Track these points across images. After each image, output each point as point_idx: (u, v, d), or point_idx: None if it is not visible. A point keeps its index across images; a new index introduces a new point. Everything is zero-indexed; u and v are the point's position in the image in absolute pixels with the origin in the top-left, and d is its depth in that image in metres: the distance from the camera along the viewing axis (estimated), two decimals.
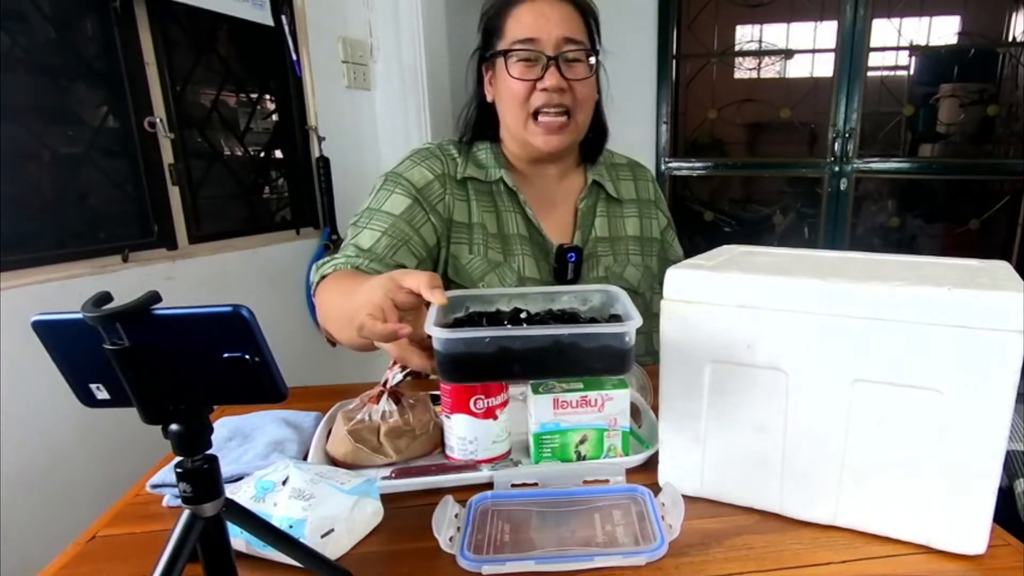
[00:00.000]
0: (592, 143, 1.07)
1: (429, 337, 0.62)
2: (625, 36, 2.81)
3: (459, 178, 1.00)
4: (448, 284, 0.99)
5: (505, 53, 0.94)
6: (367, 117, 2.19)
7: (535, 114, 0.95)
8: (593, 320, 0.70)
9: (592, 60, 0.96)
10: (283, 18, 1.87)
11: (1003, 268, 0.63)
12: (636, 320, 0.61)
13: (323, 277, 0.89)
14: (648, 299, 1.09)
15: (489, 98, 1.02)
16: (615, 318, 0.68)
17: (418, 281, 0.61)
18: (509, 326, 0.64)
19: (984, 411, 0.54)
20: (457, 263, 0.99)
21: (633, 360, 0.63)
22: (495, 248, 1.00)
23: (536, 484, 0.70)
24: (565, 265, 1.01)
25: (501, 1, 0.97)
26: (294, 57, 1.92)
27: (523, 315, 0.69)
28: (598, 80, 1.02)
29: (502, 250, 1.01)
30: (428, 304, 0.63)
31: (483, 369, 0.61)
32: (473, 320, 0.69)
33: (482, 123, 1.04)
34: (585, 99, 0.97)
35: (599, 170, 1.08)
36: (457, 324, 0.66)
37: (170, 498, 0.70)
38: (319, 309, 0.87)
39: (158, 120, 1.56)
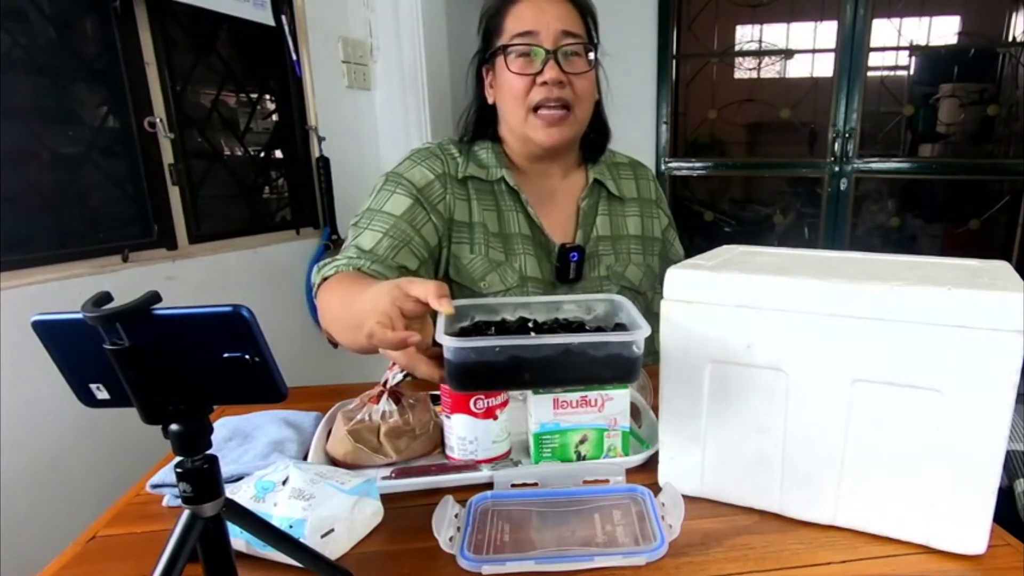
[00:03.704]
0: (594, 143, 1.08)
1: (436, 345, 0.62)
2: (625, 36, 2.81)
3: (460, 177, 1.00)
4: (449, 284, 0.99)
5: (504, 49, 0.94)
6: (367, 117, 2.19)
7: (535, 110, 0.95)
8: (599, 329, 0.69)
9: (591, 55, 0.96)
10: (283, 18, 1.87)
11: (1003, 268, 0.63)
12: (644, 329, 0.61)
13: (324, 279, 0.89)
14: (649, 299, 1.10)
15: (490, 100, 1.02)
16: (620, 327, 0.68)
17: (425, 290, 0.60)
18: (518, 335, 0.64)
19: (984, 411, 0.54)
20: (458, 263, 0.99)
21: (641, 368, 0.63)
22: (496, 247, 1.00)
23: (536, 484, 0.70)
24: (567, 264, 1.02)
25: (500, 1, 0.97)
26: (294, 57, 1.92)
27: (530, 324, 0.68)
28: (598, 80, 1.02)
29: (503, 249, 1.01)
30: (434, 313, 0.63)
31: (493, 378, 0.61)
32: (479, 329, 0.68)
33: (482, 124, 1.04)
34: (584, 93, 0.97)
35: (600, 169, 1.09)
36: (463, 334, 0.66)
37: (170, 498, 0.70)
38: (321, 311, 0.87)
39: (158, 120, 1.56)
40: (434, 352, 0.63)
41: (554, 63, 0.92)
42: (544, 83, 0.93)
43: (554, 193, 1.06)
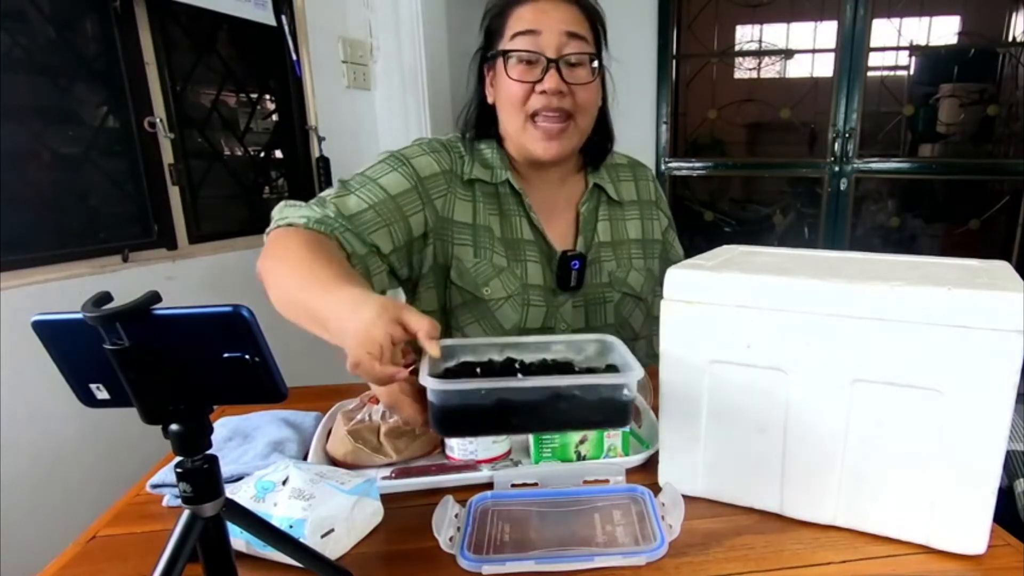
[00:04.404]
0: (597, 149, 1.04)
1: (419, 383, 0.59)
2: (625, 36, 2.81)
3: (466, 179, 0.97)
4: (448, 288, 0.97)
5: (505, 53, 0.91)
6: (367, 117, 2.19)
7: (533, 117, 0.92)
8: (590, 371, 0.67)
9: (595, 64, 0.93)
10: (283, 18, 1.87)
11: (1003, 268, 0.63)
12: (637, 371, 0.59)
13: (289, 224, 0.82)
14: (650, 303, 1.08)
15: (490, 99, 0.99)
16: (612, 368, 0.65)
17: (419, 325, 0.58)
18: (505, 377, 0.62)
19: (984, 411, 0.54)
20: (461, 266, 0.96)
21: (632, 413, 0.60)
22: (500, 252, 0.98)
23: (536, 484, 0.70)
24: (568, 272, 0.99)
25: (505, 0, 0.94)
26: (294, 57, 1.92)
27: (517, 365, 0.66)
28: (604, 85, 0.99)
29: (506, 255, 0.98)
30: (417, 348, 0.60)
31: (479, 422, 0.59)
32: (465, 371, 0.65)
33: (484, 123, 1.01)
34: (586, 104, 0.94)
35: (599, 173, 1.06)
36: (448, 375, 0.64)
37: (170, 498, 0.70)
38: (270, 261, 0.78)
39: (158, 120, 1.56)
40: (417, 391, 0.60)
41: (555, 72, 0.89)
42: (543, 92, 0.89)
43: (555, 199, 1.04)
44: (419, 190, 0.93)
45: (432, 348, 0.58)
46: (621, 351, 0.65)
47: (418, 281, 0.98)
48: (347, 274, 0.71)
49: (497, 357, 0.67)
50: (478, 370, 0.65)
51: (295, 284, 0.71)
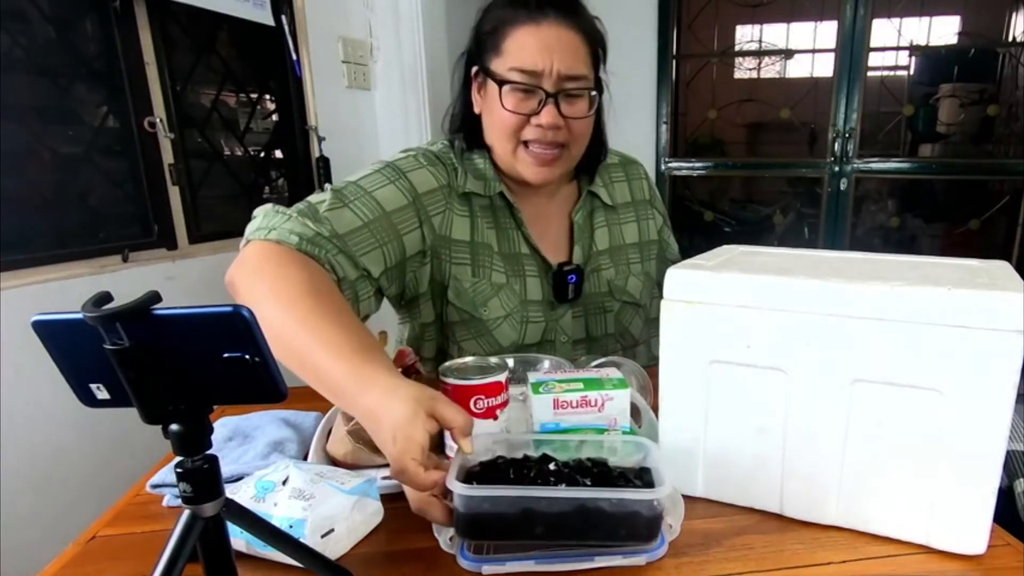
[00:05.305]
0: (589, 159, 1.00)
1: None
2: (625, 36, 2.81)
3: (461, 192, 0.94)
4: (446, 305, 0.95)
5: (501, 83, 0.87)
6: (367, 117, 2.19)
7: (526, 143, 0.90)
8: (623, 475, 0.63)
9: (593, 94, 0.90)
10: (283, 18, 1.87)
11: (1003, 268, 0.63)
12: (667, 486, 0.57)
13: (278, 239, 0.77)
14: (648, 307, 1.07)
15: (476, 109, 0.94)
16: (645, 472, 0.62)
17: (455, 420, 0.57)
18: (533, 487, 0.59)
19: (984, 411, 0.54)
20: (459, 286, 0.93)
21: (661, 527, 0.59)
22: (499, 268, 0.95)
23: None
24: (565, 286, 0.97)
25: (502, 16, 0.88)
26: (294, 57, 1.92)
27: (552, 467, 0.62)
28: (600, 100, 0.95)
29: (506, 270, 0.96)
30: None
31: (503, 530, 0.57)
32: (498, 468, 0.62)
33: (469, 129, 0.96)
34: (580, 135, 0.92)
35: (592, 179, 1.04)
36: (483, 467, 0.62)
37: (170, 498, 0.70)
38: (258, 281, 0.73)
39: (158, 120, 1.56)
40: (445, 491, 0.58)
41: (552, 107, 0.86)
42: (539, 125, 0.87)
43: (546, 209, 1.01)
44: (416, 206, 0.89)
45: (466, 446, 0.57)
46: (655, 456, 0.63)
47: (418, 296, 0.95)
48: (362, 340, 0.66)
49: (532, 453, 0.64)
50: (512, 471, 0.62)
51: (296, 334, 0.65)
